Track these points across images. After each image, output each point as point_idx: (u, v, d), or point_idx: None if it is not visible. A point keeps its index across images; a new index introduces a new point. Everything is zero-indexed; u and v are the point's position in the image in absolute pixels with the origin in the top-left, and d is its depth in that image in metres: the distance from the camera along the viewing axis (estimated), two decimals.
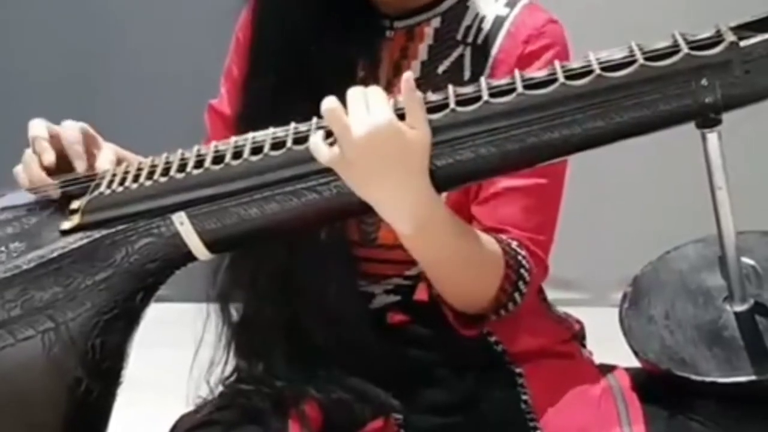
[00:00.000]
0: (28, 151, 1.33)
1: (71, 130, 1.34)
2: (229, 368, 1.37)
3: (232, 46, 1.47)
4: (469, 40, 1.38)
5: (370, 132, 1.11)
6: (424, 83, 1.31)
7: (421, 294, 1.38)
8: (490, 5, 1.40)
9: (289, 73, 1.35)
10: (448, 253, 1.23)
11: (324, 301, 1.33)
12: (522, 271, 1.29)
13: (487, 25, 1.38)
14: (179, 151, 1.25)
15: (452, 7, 1.40)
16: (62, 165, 1.32)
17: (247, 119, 1.35)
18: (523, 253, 1.30)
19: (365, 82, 1.30)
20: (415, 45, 1.39)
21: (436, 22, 1.40)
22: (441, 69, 1.38)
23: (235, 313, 1.38)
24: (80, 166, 1.32)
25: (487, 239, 1.28)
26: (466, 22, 1.39)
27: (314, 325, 1.33)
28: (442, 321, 1.34)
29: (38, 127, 1.33)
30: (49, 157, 1.31)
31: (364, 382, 1.32)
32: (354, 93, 1.14)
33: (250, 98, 1.39)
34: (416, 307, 1.38)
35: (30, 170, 1.31)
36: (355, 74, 1.35)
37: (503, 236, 1.30)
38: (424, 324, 1.37)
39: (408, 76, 1.13)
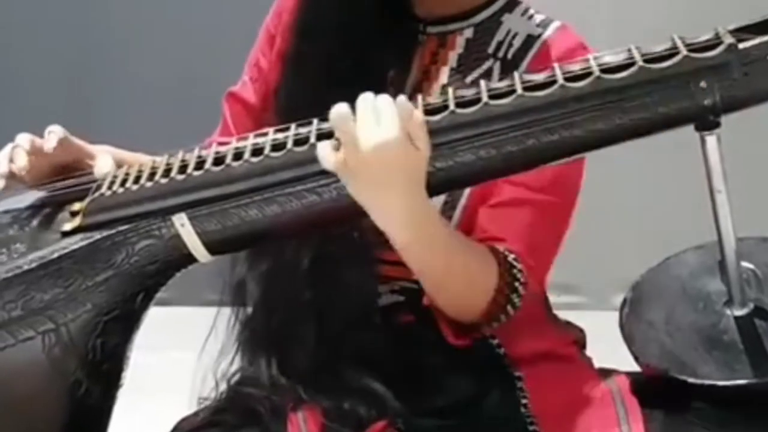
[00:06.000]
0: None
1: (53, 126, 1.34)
2: (235, 366, 1.37)
3: (261, 36, 1.47)
4: (500, 54, 1.39)
5: (377, 146, 1.11)
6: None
7: (427, 299, 1.38)
8: (524, 23, 1.41)
9: (323, 69, 1.35)
10: (441, 263, 1.24)
11: (340, 296, 1.33)
12: (516, 284, 1.29)
13: (518, 42, 1.39)
14: (180, 153, 1.25)
15: (486, 20, 1.41)
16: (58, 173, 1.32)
17: (286, 105, 1.36)
18: (519, 266, 1.30)
19: (394, 83, 1.33)
20: (446, 51, 1.40)
21: (468, 33, 1.40)
22: (469, 79, 1.38)
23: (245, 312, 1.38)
24: (50, 143, 1.30)
25: (482, 250, 1.29)
26: (499, 36, 1.40)
27: (324, 321, 1.33)
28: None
29: (21, 139, 1.32)
30: (21, 162, 1.29)
31: (371, 383, 1.32)
32: (364, 102, 1.13)
33: (288, 87, 1.39)
34: (421, 308, 1.37)
35: None
36: (385, 74, 1.36)
37: (501, 246, 1.30)
38: (428, 325, 1.38)
39: (404, 99, 1.13)
